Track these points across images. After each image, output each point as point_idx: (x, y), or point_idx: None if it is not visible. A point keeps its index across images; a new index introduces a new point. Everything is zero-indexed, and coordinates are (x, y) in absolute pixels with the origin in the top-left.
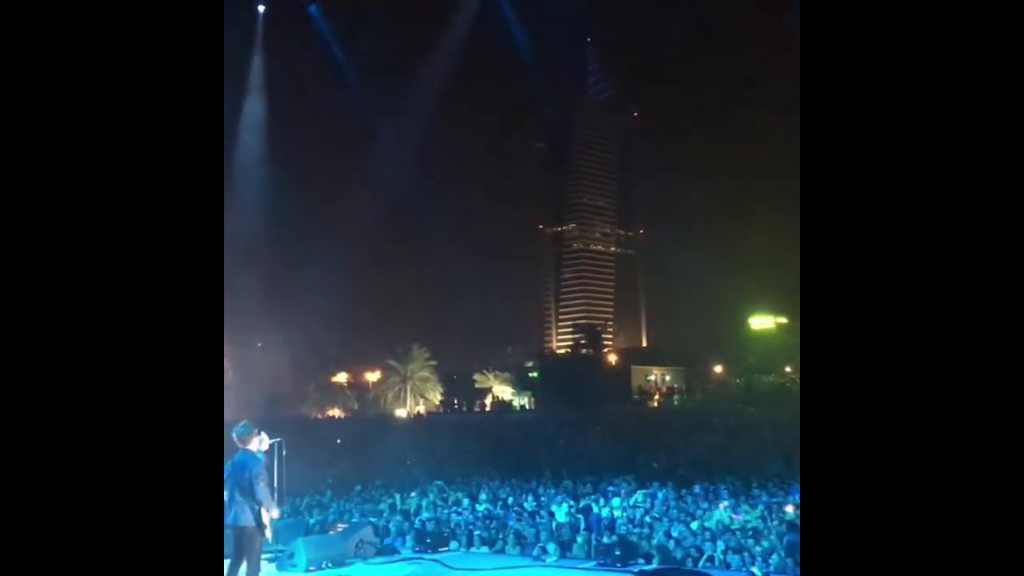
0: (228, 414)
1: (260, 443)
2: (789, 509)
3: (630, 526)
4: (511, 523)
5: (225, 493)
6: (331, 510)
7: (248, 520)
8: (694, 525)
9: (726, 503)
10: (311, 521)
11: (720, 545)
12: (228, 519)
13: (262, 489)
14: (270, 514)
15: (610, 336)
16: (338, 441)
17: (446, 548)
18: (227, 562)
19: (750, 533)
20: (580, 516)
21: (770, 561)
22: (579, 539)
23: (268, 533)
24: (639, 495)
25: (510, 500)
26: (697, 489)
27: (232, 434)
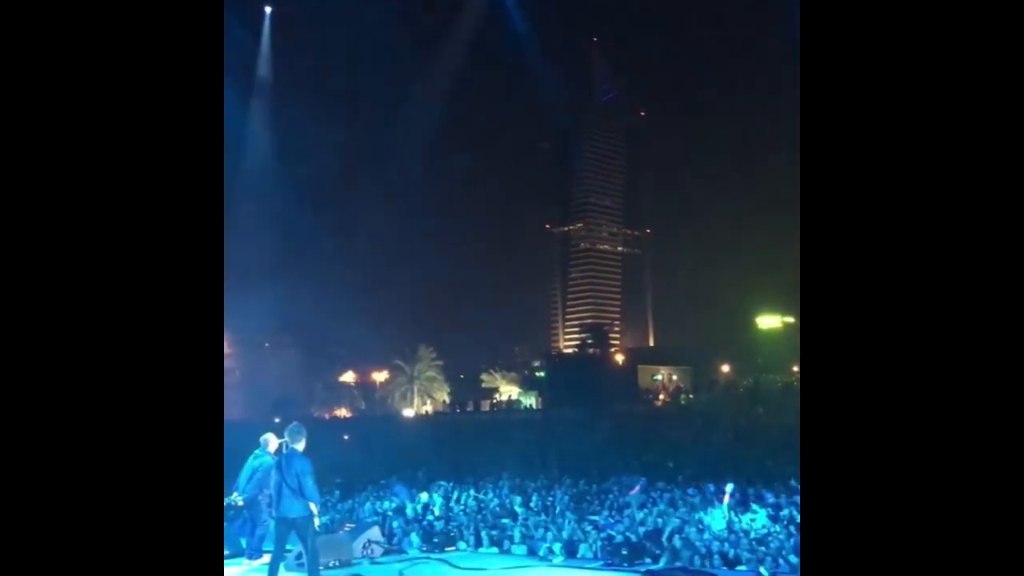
0: (236, 414)
1: (268, 444)
2: (797, 510)
3: (637, 526)
4: (518, 523)
5: (272, 489)
6: (339, 510)
7: (298, 512)
8: (701, 525)
9: (734, 503)
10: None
11: (728, 545)
12: (277, 512)
13: (310, 485)
14: (316, 508)
15: (617, 336)
16: (345, 437)
17: (453, 548)
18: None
19: (758, 533)
20: (587, 516)
21: (778, 562)
22: (586, 539)
23: (316, 522)
24: (646, 495)
25: (517, 500)
26: (705, 489)
27: (284, 434)
